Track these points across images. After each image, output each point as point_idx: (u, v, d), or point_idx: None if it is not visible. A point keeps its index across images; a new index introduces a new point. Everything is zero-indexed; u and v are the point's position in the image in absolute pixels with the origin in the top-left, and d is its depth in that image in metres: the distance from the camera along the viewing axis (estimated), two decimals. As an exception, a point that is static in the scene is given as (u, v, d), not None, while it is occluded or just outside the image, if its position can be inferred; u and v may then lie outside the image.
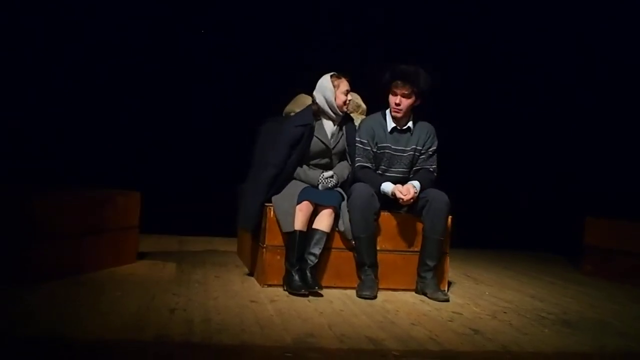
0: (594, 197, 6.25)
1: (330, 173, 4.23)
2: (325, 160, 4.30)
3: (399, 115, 4.21)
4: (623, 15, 6.29)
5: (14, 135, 5.77)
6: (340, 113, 4.25)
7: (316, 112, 4.26)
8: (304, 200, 4.06)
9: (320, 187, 4.19)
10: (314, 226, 4.08)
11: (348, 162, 4.34)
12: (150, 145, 6.26)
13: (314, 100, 4.27)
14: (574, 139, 6.86)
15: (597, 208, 5.74)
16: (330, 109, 4.22)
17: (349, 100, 4.25)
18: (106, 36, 6.07)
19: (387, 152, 4.27)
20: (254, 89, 6.15)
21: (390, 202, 4.18)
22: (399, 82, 4.14)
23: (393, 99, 4.19)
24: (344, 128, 4.33)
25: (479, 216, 6.45)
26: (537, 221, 6.77)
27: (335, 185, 4.24)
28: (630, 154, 6.38)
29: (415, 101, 4.20)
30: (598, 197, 6.21)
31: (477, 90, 6.82)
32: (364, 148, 4.26)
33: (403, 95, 4.15)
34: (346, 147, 4.32)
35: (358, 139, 4.27)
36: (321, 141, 4.25)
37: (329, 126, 4.28)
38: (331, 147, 4.27)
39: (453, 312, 3.77)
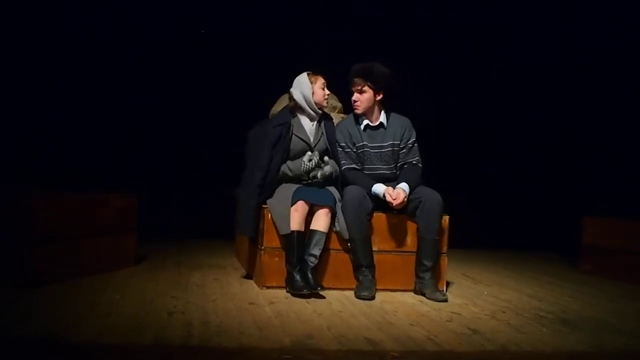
0: (592, 197, 6.26)
1: (309, 155, 4.22)
2: None
3: (358, 110, 4.28)
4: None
5: (13, 137, 5.77)
6: (319, 110, 4.30)
7: (293, 109, 4.31)
8: (298, 200, 4.07)
9: (319, 175, 4.18)
10: (311, 227, 4.09)
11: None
12: (149, 148, 6.26)
13: (291, 97, 4.30)
14: (572, 138, 6.88)
15: (595, 207, 5.75)
16: (308, 105, 4.26)
17: (328, 95, 4.32)
18: (104, 37, 6.08)
19: (366, 150, 4.30)
20: (252, 90, 6.15)
21: (383, 203, 4.18)
22: (354, 79, 4.24)
23: (352, 97, 4.28)
24: (323, 126, 4.36)
25: (477, 216, 6.46)
26: (536, 221, 6.77)
27: (327, 175, 4.20)
28: (630, 153, 6.38)
29: (375, 95, 4.25)
30: (596, 197, 6.22)
31: (476, 89, 6.83)
32: (344, 151, 4.29)
33: (358, 91, 4.24)
34: (328, 146, 4.34)
35: (337, 144, 4.31)
36: (301, 139, 4.27)
37: (307, 125, 4.31)
38: (312, 144, 4.28)
39: (452, 312, 3.77)
